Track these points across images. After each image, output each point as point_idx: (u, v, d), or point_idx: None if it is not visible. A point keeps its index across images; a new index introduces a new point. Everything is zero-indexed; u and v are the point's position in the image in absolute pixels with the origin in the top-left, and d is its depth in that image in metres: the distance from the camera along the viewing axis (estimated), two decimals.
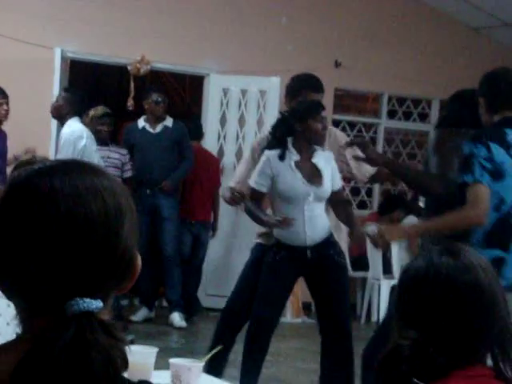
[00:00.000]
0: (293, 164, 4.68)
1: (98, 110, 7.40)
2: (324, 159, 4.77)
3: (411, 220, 8.62)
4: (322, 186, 4.70)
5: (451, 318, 1.74)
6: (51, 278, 1.15)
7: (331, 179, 4.76)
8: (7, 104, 6.91)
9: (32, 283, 1.16)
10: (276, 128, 4.79)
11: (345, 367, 4.64)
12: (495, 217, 3.82)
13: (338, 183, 4.82)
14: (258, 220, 4.75)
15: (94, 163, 1.27)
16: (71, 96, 6.81)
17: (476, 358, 1.76)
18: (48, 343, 1.11)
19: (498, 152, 3.82)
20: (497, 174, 3.82)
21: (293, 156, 4.69)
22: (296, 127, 4.67)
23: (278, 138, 4.73)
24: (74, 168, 1.21)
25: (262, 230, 4.96)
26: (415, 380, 1.63)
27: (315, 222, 4.69)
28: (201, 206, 7.96)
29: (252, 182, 4.73)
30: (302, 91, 4.91)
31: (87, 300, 1.14)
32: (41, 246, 1.15)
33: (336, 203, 4.88)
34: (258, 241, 5.00)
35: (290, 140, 4.71)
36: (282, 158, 4.68)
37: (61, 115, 6.70)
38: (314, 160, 4.74)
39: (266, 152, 4.72)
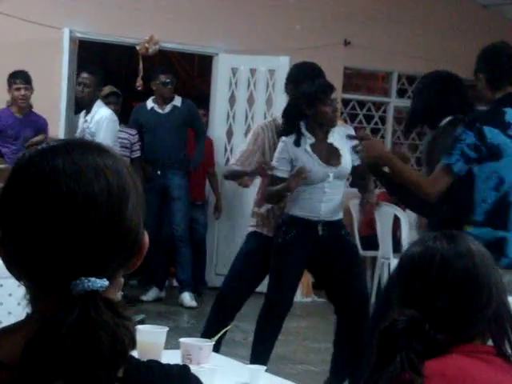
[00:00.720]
0: (308, 148, 4.68)
1: (104, 90, 7.40)
2: (339, 136, 4.76)
3: None
4: (340, 166, 4.71)
5: (446, 299, 1.78)
6: (55, 257, 1.15)
7: (350, 154, 4.77)
8: (27, 90, 6.88)
9: (37, 263, 1.16)
10: (287, 114, 4.79)
11: (360, 342, 4.65)
12: (495, 196, 3.82)
13: (357, 159, 4.80)
14: (279, 192, 4.72)
15: (100, 142, 1.26)
16: (97, 77, 6.78)
17: (474, 335, 1.80)
18: (54, 323, 1.11)
19: (493, 134, 3.79)
20: (491, 155, 3.80)
21: (307, 140, 4.70)
22: (306, 112, 4.66)
23: (291, 124, 4.73)
24: (76, 147, 1.20)
25: (255, 218, 4.97)
26: (412, 356, 1.66)
27: (332, 197, 4.73)
28: (192, 187, 7.96)
29: (273, 171, 4.74)
30: (305, 81, 4.87)
31: (92, 279, 1.14)
32: (43, 225, 1.15)
33: (358, 177, 4.91)
34: (255, 229, 4.98)
35: (302, 124, 4.70)
36: (297, 143, 4.68)
37: (91, 100, 6.66)
38: (330, 140, 4.74)
39: (283, 138, 4.72)
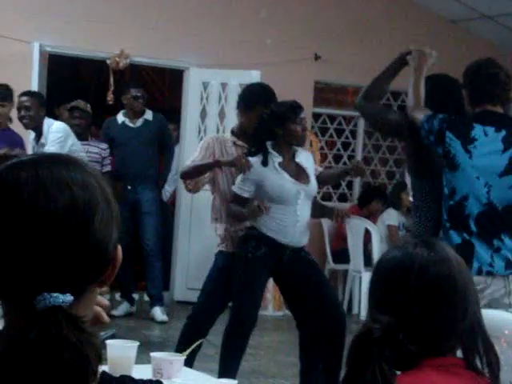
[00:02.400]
0: (277, 166, 4.73)
1: (67, 105, 7.36)
2: (305, 158, 4.84)
3: (391, 213, 8.67)
4: (310, 184, 4.77)
5: (423, 307, 1.77)
6: (17, 272, 1.14)
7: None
8: (2, 106, 6.78)
9: (4, 278, 1.15)
10: (255, 134, 4.83)
11: (338, 352, 4.67)
12: (449, 204, 3.89)
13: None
14: (239, 216, 4.78)
15: (71, 156, 1.25)
16: (41, 98, 6.71)
17: (446, 348, 1.79)
18: (17, 340, 1.10)
19: (453, 143, 3.86)
20: (449, 163, 3.88)
21: (275, 158, 4.74)
22: (276, 131, 4.72)
23: (259, 144, 4.77)
24: (44, 161, 1.20)
25: (222, 236, 4.99)
26: (386, 365, 1.65)
27: (303, 224, 4.76)
28: None
29: (236, 187, 4.78)
30: (257, 106, 4.94)
31: (54, 294, 1.13)
32: (4, 238, 1.14)
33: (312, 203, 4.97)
34: (221, 248, 5.00)
35: (269, 144, 4.76)
36: (265, 163, 4.72)
37: (39, 123, 6.50)
38: (297, 159, 4.79)
39: (249, 159, 4.75)
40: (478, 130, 3.86)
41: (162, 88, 11.61)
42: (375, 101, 4.23)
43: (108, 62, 8.28)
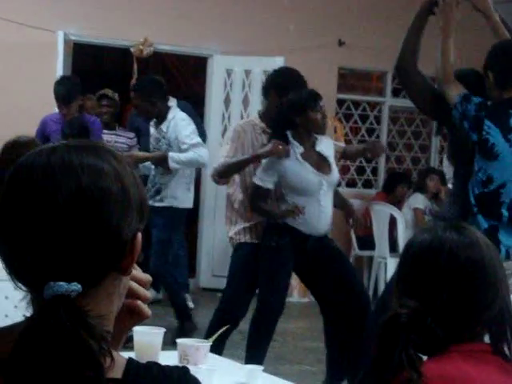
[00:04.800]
0: (299, 156, 4.71)
1: (96, 94, 7.39)
2: (325, 146, 4.81)
3: (417, 197, 8.62)
4: (331, 173, 4.75)
5: (452, 291, 1.74)
6: (27, 258, 1.15)
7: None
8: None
9: (13, 264, 1.16)
10: (275, 123, 4.80)
11: (360, 342, 4.66)
12: (482, 192, 3.82)
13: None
14: (270, 214, 4.76)
15: (92, 142, 1.25)
16: (150, 91, 6.50)
17: (474, 334, 1.77)
18: (25, 328, 1.11)
19: (492, 132, 3.77)
20: (486, 151, 3.80)
21: (296, 149, 4.72)
22: (296, 120, 4.69)
23: (280, 134, 4.74)
24: (60, 148, 1.20)
25: (237, 228, 4.97)
26: (412, 350, 1.64)
27: (328, 213, 4.75)
28: None
29: (257, 179, 4.73)
30: (292, 89, 4.88)
31: (59, 283, 1.12)
32: (15, 224, 1.15)
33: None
34: (243, 240, 4.97)
35: (289, 133, 4.73)
36: (287, 153, 4.69)
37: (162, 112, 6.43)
38: (318, 148, 4.77)
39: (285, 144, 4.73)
40: None
41: (185, 75, 11.61)
42: (412, 61, 4.05)
43: (132, 50, 8.29)
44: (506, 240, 3.77)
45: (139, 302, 1.29)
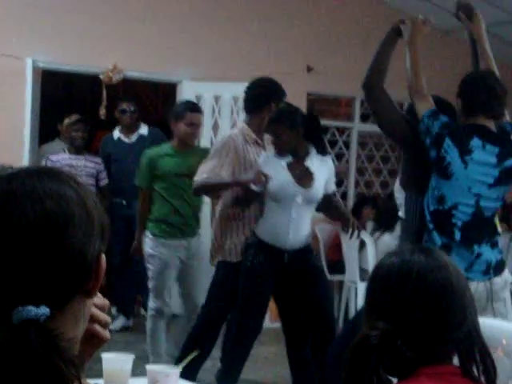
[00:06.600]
0: (284, 164, 4.76)
1: (71, 118, 7.41)
2: (320, 163, 4.83)
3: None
4: (311, 188, 4.77)
5: (421, 313, 1.75)
6: None
7: (325, 183, 4.84)
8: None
9: None
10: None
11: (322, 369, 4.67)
12: (437, 209, 3.89)
13: (332, 187, 4.94)
14: (244, 184, 4.81)
15: (53, 168, 1.26)
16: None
17: (443, 355, 1.78)
18: None
19: (450, 151, 3.87)
20: (441, 169, 3.89)
21: (286, 158, 4.79)
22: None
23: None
24: (20, 174, 1.20)
25: (217, 247, 4.99)
26: (382, 372, 1.64)
27: (299, 226, 4.76)
28: None
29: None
30: (271, 103, 4.98)
31: (28, 308, 1.12)
32: None
33: (325, 204, 4.96)
34: (223, 259, 4.98)
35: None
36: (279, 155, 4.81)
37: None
38: (308, 163, 4.81)
39: (263, 153, 4.91)
40: (476, 142, 3.88)
41: (155, 102, 11.62)
42: (380, 80, 4.16)
43: (101, 76, 8.29)
44: (457, 263, 3.82)
45: (97, 326, 1.28)
